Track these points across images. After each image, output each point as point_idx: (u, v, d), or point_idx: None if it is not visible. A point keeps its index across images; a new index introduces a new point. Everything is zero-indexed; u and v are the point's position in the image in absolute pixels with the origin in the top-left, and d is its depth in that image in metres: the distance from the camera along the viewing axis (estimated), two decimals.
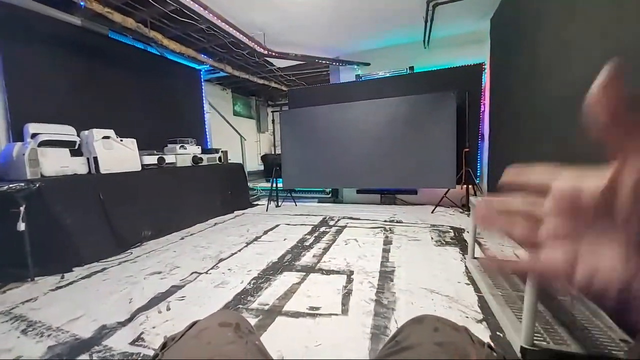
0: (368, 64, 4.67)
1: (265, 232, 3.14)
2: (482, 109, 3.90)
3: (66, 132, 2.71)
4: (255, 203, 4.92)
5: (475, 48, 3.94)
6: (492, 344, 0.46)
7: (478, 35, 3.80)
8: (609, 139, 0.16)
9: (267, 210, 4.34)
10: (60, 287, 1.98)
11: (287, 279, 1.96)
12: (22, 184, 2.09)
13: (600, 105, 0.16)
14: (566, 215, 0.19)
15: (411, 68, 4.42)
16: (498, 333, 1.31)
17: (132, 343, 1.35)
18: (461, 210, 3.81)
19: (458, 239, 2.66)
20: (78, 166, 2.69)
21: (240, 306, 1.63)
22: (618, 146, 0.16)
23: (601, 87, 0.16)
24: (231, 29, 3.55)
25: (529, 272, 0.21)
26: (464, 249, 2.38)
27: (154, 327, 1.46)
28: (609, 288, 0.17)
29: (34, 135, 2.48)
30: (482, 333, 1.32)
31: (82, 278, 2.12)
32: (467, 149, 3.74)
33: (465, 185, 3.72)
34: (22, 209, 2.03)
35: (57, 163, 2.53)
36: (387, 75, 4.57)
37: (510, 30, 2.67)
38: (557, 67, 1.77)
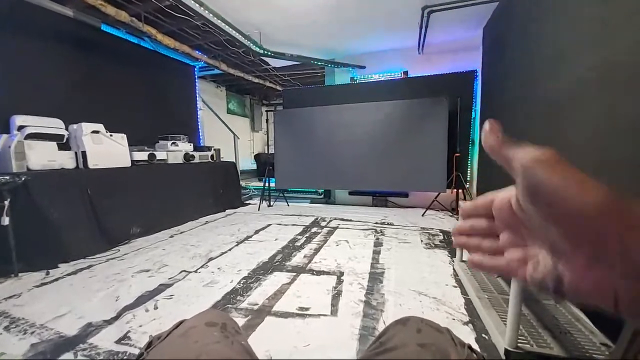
0: (363, 67, 4.70)
1: (257, 232, 3.13)
2: (473, 115, 3.97)
3: (54, 125, 2.65)
4: (247, 202, 4.90)
5: (468, 55, 4.01)
6: (472, 345, 0.47)
7: (471, 43, 3.87)
8: (499, 159, 0.21)
9: (259, 210, 4.32)
10: (45, 284, 1.94)
11: (278, 279, 1.96)
12: (7, 177, 2.04)
13: (485, 143, 0.22)
14: (506, 223, 0.24)
15: (405, 73, 4.47)
16: (483, 335, 1.34)
17: (118, 342, 1.33)
18: (451, 214, 3.87)
19: (447, 242, 2.70)
20: (66, 160, 2.64)
21: (230, 306, 1.62)
22: (507, 166, 0.21)
23: (484, 132, 0.22)
24: (227, 26, 3.53)
25: (499, 272, 0.25)
26: (452, 252, 2.42)
27: (140, 326, 1.44)
28: (546, 276, 0.20)
29: (20, 128, 2.42)
30: (468, 335, 1.35)
31: (68, 275, 2.08)
32: (457, 154, 3.80)
33: (455, 190, 3.78)
34: (6, 202, 1.98)
35: (44, 157, 2.47)
36: (382, 79, 4.62)
37: (501, 40, 2.73)
38: (547, 75, 1.82)
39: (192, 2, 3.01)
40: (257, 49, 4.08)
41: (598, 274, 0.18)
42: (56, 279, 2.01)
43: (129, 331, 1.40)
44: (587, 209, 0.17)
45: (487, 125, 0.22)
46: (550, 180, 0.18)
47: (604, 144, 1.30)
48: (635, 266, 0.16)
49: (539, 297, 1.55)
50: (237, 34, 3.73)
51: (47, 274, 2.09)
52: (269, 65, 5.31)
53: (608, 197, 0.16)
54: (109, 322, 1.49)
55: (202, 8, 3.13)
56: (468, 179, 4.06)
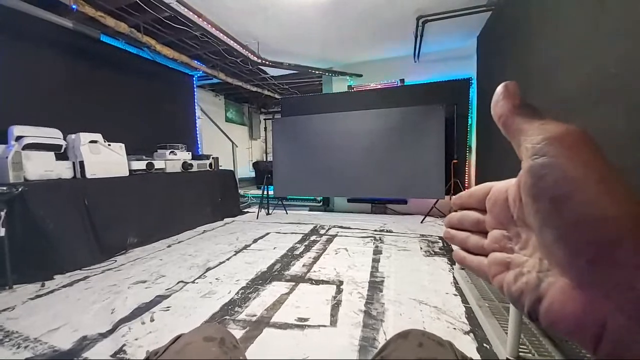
0: (360, 76, 4.75)
1: (255, 241, 3.11)
2: (469, 122, 4.01)
3: (52, 135, 2.65)
4: (245, 210, 4.88)
5: (463, 63, 4.06)
6: (474, 359, 0.46)
7: (466, 51, 3.93)
8: (508, 132, 0.18)
9: (257, 218, 4.30)
10: (40, 296, 1.91)
11: (276, 289, 1.94)
12: (4, 188, 2.03)
13: (494, 109, 0.18)
14: (498, 219, 0.21)
15: (402, 81, 4.51)
16: (485, 345, 1.32)
17: (114, 355, 1.30)
18: None
19: (446, 249, 2.69)
20: (63, 170, 2.63)
21: (227, 317, 1.60)
22: (516, 142, 0.17)
23: (496, 95, 0.19)
24: (225, 36, 3.57)
25: (480, 273, 0.23)
26: (452, 259, 2.40)
27: (136, 339, 1.42)
28: (525, 289, 0.17)
29: (18, 138, 2.42)
30: (469, 345, 1.33)
31: (64, 286, 2.05)
32: (455, 161, 3.82)
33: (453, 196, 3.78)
34: (2, 213, 1.97)
35: (42, 167, 2.46)
36: (379, 87, 4.66)
37: (495, 48, 2.77)
38: (540, 82, 1.84)
39: (191, 13, 3.05)
40: (255, 59, 4.12)
41: (589, 300, 0.14)
42: (51, 291, 1.98)
43: (124, 344, 1.38)
44: (603, 219, 0.13)
45: (501, 88, 0.18)
46: (565, 168, 0.14)
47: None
48: (637, 301, 0.13)
49: None
50: (236, 44, 3.77)
51: (43, 285, 2.06)
52: (267, 74, 5.36)
53: (637, 210, 0.13)
54: (104, 335, 1.46)
55: (200, 19, 3.17)
56: (466, 185, 4.06)
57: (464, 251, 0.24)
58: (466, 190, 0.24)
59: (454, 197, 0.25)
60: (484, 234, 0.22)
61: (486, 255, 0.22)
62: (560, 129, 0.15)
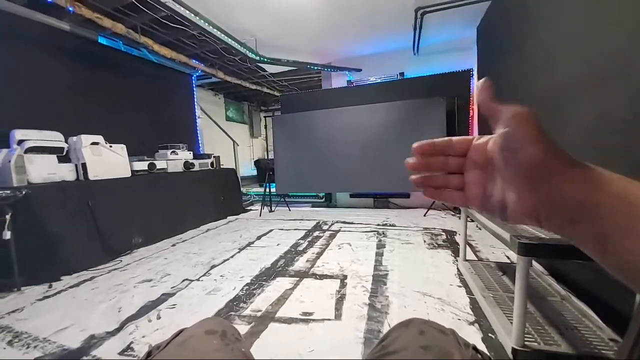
0: (359, 70, 4.73)
1: (259, 238, 3.12)
2: (470, 114, 3.98)
3: (54, 138, 2.66)
4: (248, 208, 4.90)
5: (463, 55, 4.02)
6: (477, 346, 0.46)
7: (465, 43, 3.89)
8: (488, 115, 0.26)
9: (260, 215, 4.31)
10: (48, 297, 1.93)
11: (280, 284, 1.95)
12: (8, 192, 2.04)
13: (478, 97, 0.26)
14: (478, 162, 0.28)
15: (401, 74, 4.48)
16: (490, 335, 1.33)
17: (122, 353, 1.32)
18: (453, 213, 3.85)
19: (450, 242, 2.69)
20: (66, 173, 2.64)
21: (233, 313, 1.61)
22: (492, 119, 0.26)
23: (476, 88, 0.27)
24: (223, 34, 3.56)
25: (451, 201, 0.31)
26: (455, 251, 2.40)
27: (143, 337, 1.43)
28: (496, 204, 0.27)
29: (20, 142, 2.43)
30: (475, 335, 1.33)
31: (71, 287, 2.07)
32: None
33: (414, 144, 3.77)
34: (7, 217, 1.98)
35: (45, 170, 2.48)
36: (379, 81, 4.63)
37: (495, 38, 2.74)
38: (541, 73, 1.82)
39: (187, 12, 3.04)
40: (253, 56, 4.11)
41: (530, 203, 0.24)
42: (59, 292, 2.00)
43: (132, 342, 1.39)
44: (533, 153, 0.22)
45: (481, 83, 0.26)
46: (517, 133, 0.23)
47: (597, 136, 1.31)
48: (553, 196, 0.22)
49: (545, 294, 1.53)
50: (233, 41, 3.76)
51: (50, 287, 2.08)
52: (266, 71, 5.34)
53: (550, 147, 0.22)
54: (112, 333, 1.48)
55: (197, 17, 3.16)
56: None
57: (430, 189, 0.31)
58: (428, 140, 0.31)
59: (415, 145, 0.31)
60: (446, 173, 0.31)
61: (452, 188, 0.31)
62: (517, 110, 0.24)
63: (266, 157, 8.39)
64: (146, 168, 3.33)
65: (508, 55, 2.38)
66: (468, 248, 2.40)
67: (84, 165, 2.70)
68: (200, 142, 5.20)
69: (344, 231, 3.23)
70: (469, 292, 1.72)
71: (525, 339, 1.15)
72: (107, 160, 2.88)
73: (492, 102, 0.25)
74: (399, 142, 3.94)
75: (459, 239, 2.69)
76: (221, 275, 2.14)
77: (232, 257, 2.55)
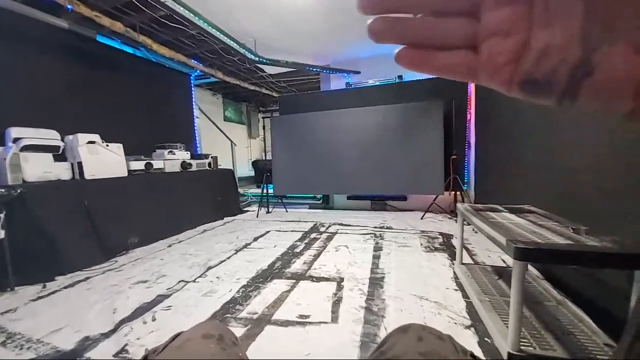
0: (358, 72, 4.74)
1: (255, 239, 3.11)
2: (468, 117, 4.00)
3: (50, 136, 2.64)
4: (245, 209, 4.88)
5: None
6: (474, 353, 0.46)
7: None
8: None
9: (257, 217, 4.30)
10: (42, 297, 1.91)
11: (277, 286, 1.94)
12: (3, 190, 2.02)
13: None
14: None
15: (400, 77, 4.50)
16: (486, 339, 1.33)
17: (116, 355, 1.30)
18: (449, 217, 3.87)
19: (447, 245, 2.70)
20: (62, 171, 2.62)
21: (229, 315, 1.60)
22: None
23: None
24: (222, 35, 3.56)
25: (465, 72, 0.18)
26: (452, 254, 2.41)
27: (138, 339, 1.42)
28: (560, 68, 0.15)
29: (16, 140, 2.41)
30: (470, 339, 1.33)
31: (65, 287, 2.05)
32: (454, 156, 3.81)
33: (453, 192, 3.79)
34: (2, 215, 1.96)
35: (40, 168, 2.46)
36: (377, 83, 4.65)
37: None
38: None
39: (187, 12, 3.04)
40: (252, 57, 4.11)
41: None
42: (53, 292, 1.98)
43: (126, 344, 1.38)
44: None
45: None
46: None
47: (591, 135, 1.32)
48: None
49: (541, 299, 1.54)
50: (232, 42, 3.75)
51: (44, 287, 2.06)
52: (265, 72, 5.34)
53: None
54: (106, 335, 1.46)
55: (196, 17, 3.15)
56: (466, 180, 4.07)
57: (409, 49, 0.18)
58: None
59: None
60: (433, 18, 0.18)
61: (449, 47, 0.17)
62: None
63: (264, 158, 8.38)
64: (143, 168, 3.31)
65: None
66: (464, 251, 2.41)
67: (80, 164, 2.68)
68: (198, 142, 5.18)
69: (341, 233, 3.23)
70: (465, 295, 1.72)
71: (521, 343, 1.15)
72: (104, 159, 2.86)
73: None
74: (397, 144, 3.96)
75: (455, 242, 2.70)
76: (217, 277, 2.13)
77: (228, 258, 2.54)
